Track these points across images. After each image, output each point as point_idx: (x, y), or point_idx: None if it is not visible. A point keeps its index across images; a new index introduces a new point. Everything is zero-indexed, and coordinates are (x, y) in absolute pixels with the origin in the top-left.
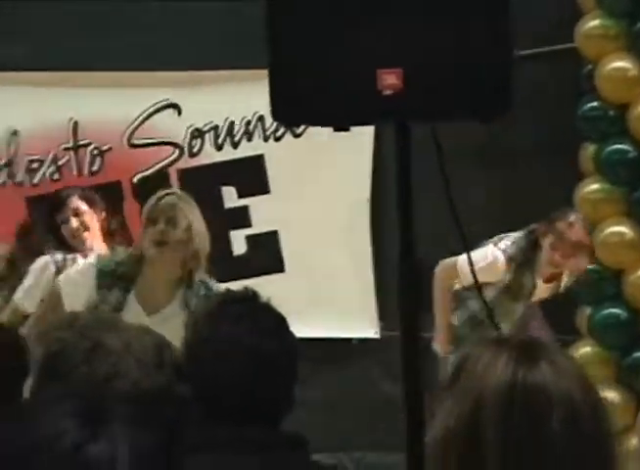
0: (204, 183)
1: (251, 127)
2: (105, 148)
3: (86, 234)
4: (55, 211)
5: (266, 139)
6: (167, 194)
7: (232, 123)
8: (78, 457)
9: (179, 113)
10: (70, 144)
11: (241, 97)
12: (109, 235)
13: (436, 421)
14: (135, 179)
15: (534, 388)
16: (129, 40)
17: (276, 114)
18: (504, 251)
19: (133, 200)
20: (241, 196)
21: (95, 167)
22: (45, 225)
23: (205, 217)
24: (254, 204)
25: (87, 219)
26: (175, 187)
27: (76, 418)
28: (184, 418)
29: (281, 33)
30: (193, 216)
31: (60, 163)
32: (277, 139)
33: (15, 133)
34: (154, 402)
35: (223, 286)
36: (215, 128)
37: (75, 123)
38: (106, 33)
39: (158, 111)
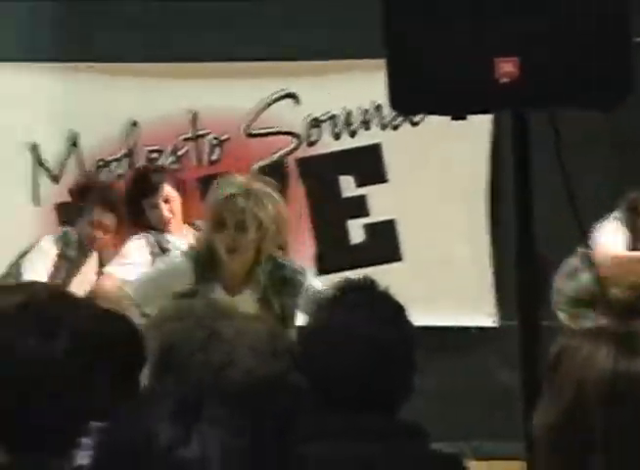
0: (321, 172)
1: (368, 116)
2: (223, 138)
3: (172, 220)
4: (144, 196)
5: (384, 128)
6: (235, 195)
7: (349, 112)
8: (170, 459)
9: (297, 102)
10: (190, 134)
11: (358, 86)
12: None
13: (537, 413)
14: (253, 169)
15: (637, 376)
16: (248, 31)
17: (394, 103)
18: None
19: None
20: (358, 185)
21: (214, 157)
22: (129, 208)
23: (323, 207)
24: (372, 193)
25: (175, 206)
26: (293, 176)
27: (170, 419)
28: (298, 407)
29: (399, 24)
30: (264, 213)
31: (179, 153)
32: (394, 128)
33: (134, 124)
34: (268, 391)
35: (297, 264)
36: (333, 117)
37: (194, 114)
38: (225, 24)
39: (276, 100)
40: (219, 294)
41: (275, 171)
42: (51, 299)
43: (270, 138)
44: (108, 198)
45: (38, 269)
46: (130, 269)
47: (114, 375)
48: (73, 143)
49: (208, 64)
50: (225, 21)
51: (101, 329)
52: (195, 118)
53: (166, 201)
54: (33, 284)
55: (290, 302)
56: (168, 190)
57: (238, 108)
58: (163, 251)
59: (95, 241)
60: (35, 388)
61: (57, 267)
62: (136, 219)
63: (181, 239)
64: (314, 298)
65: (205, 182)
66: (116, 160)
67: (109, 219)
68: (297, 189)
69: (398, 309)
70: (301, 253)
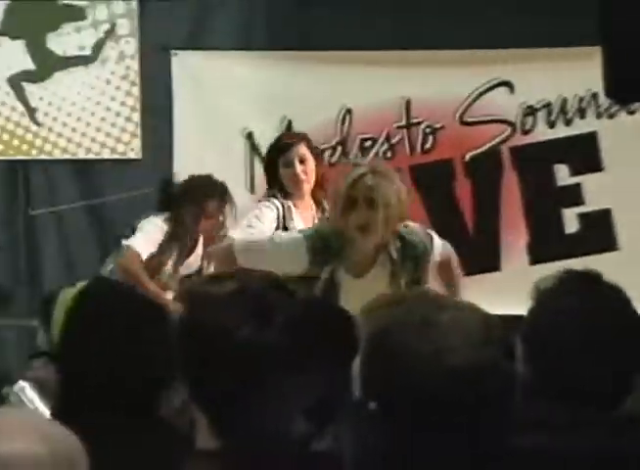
0: (536, 161)
1: (584, 104)
2: (437, 126)
3: (305, 182)
4: (280, 153)
5: (599, 116)
6: (364, 174)
7: (565, 100)
8: (304, 452)
9: (511, 90)
10: (403, 122)
11: (574, 74)
12: (320, 189)
13: None
14: (467, 157)
15: None
16: (463, 18)
17: (609, 91)
18: None
19: (464, 178)
20: (573, 173)
21: (427, 146)
22: (266, 170)
23: (537, 195)
24: (587, 181)
25: (309, 168)
26: (507, 166)
27: (305, 414)
28: (510, 395)
29: (617, 11)
30: (391, 191)
31: (393, 141)
32: (610, 116)
33: (348, 112)
34: (480, 380)
35: (422, 232)
36: (548, 105)
37: (408, 102)
38: (439, 12)
39: (490, 89)
40: (343, 277)
41: (489, 160)
42: (265, 286)
43: (484, 126)
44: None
45: (141, 239)
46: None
47: (328, 362)
48: (287, 130)
49: (422, 51)
50: (441, 8)
51: (316, 316)
52: (408, 106)
53: (301, 161)
54: (248, 272)
55: (420, 275)
56: (304, 151)
57: (452, 95)
58: (285, 229)
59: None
60: (252, 374)
61: (166, 243)
62: (270, 179)
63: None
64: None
65: (419, 171)
66: (330, 147)
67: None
68: (511, 178)
69: (627, 300)
70: (515, 242)
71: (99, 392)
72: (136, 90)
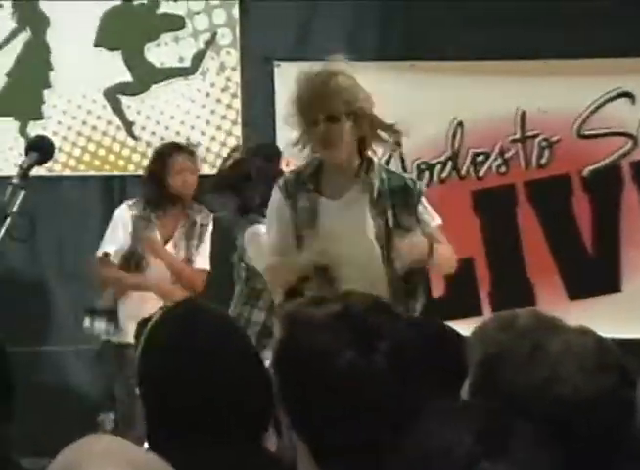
0: None
1: None
2: (553, 139)
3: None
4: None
5: None
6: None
7: None
8: None
9: (633, 101)
10: (518, 135)
11: None
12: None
13: None
14: (585, 172)
15: None
16: (581, 27)
17: None
18: None
19: (582, 194)
20: None
21: (543, 160)
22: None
23: None
24: None
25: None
26: (627, 181)
27: (473, 433)
28: (629, 425)
29: None
30: (353, 97)
31: (506, 155)
32: None
33: (460, 124)
34: (594, 409)
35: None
36: None
37: (523, 114)
38: (552, 21)
39: (610, 100)
40: (320, 201)
41: (608, 175)
42: (369, 308)
43: (603, 139)
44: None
45: (115, 238)
46: None
47: (436, 387)
48: (396, 143)
49: (537, 61)
50: (558, 17)
51: (423, 340)
52: (523, 118)
53: (192, 172)
54: (351, 293)
55: (405, 212)
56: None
57: (569, 107)
58: None
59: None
60: (356, 401)
61: (136, 228)
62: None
63: None
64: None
65: (534, 187)
66: (440, 163)
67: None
68: (632, 193)
69: None
70: (637, 261)
71: (192, 420)
72: (237, 103)
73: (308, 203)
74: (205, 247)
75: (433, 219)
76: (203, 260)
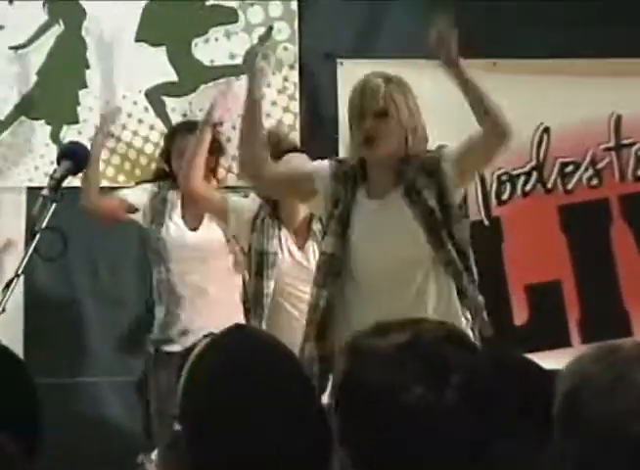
0: None
1: None
2: None
3: None
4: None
5: None
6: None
7: None
8: None
9: None
10: (612, 143)
11: None
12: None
13: None
14: None
15: None
16: None
17: None
18: None
19: None
20: None
21: None
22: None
23: None
24: None
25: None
26: None
27: None
28: None
29: None
30: (404, 99)
31: (599, 166)
32: None
33: (546, 131)
34: None
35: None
36: None
37: (618, 119)
38: None
39: None
40: (362, 200)
41: None
42: (440, 338)
43: None
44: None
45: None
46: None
47: (515, 425)
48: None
49: (636, 60)
50: None
51: (499, 374)
52: (618, 124)
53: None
54: (419, 322)
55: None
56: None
57: None
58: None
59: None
60: (426, 441)
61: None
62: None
63: None
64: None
65: (631, 201)
66: (524, 173)
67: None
68: None
69: None
70: None
71: (238, 460)
72: (295, 105)
73: (348, 197)
74: None
75: None
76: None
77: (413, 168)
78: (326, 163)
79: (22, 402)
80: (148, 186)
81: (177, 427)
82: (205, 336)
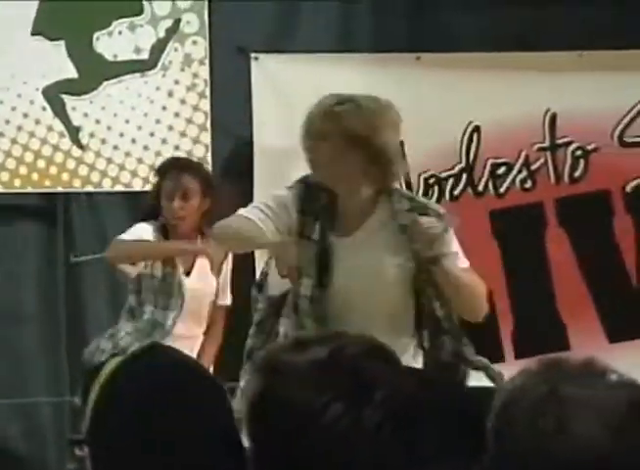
0: None
1: None
2: (590, 148)
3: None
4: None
5: None
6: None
7: None
8: None
9: None
10: (546, 143)
11: None
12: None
13: None
14: (628, 188)
15: None
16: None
17: None
18: None
19: (625, 214)
20: None
21: (577, 173)
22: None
23: None
24: None
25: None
26: None
27: None
28: None
29: None
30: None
31: (532, 167)
32: None
33: (476, 129)
34: None
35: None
36: None
37: (553, 116)
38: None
39: None
40: (332, 238)
41: None
42: (361, 353)
43: None
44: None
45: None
46: None
47: (443, 446)
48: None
49: (571, 53)
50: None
51: (425, 392)
52: (553, 122)
53: (184, 196)
54: (339, 336)
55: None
56: (190, 183)
57: (610, 109)
58: None
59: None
60: (346, 464)
61: None
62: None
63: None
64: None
65: (566, 205)
66: (452, 176)
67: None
68: None
69: None
70: None
71: None
72: (206, 104)
73: (319, 236)
74: (226, 279)
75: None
76: (223, 295)
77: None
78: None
79: None
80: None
81: (80, 452)
82: (113, 355)
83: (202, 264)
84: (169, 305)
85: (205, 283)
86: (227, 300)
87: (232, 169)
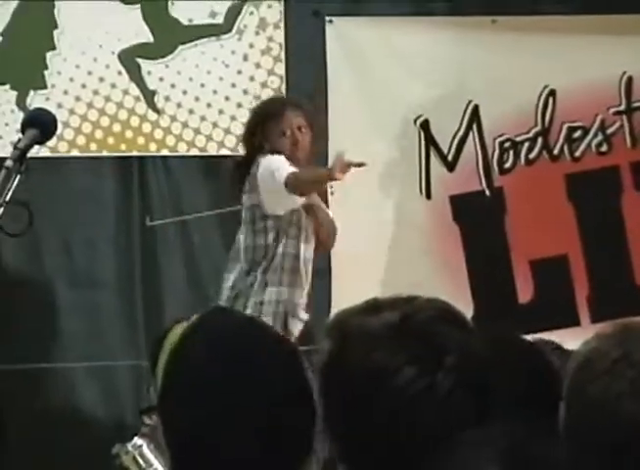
0: None
1: None
2: None
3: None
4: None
5: None
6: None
7: None
8: None
9: None
10: (623, 107)
11: None
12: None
13: None
14: None
15: None
16: None
17: None
18: None
19: None
20: None
21: None
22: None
23: None
24: None
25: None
26: None
27: (497, 466)
28: None
29: None
30: None
31: (608, 131)
32: None
33: (552, 93)
34: None
35: None
36: None
37: (629, 80)
38: None
39: None
40: None
41: None
42: (433, 317)
43: None
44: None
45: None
46: None
47: (517, 409)
48: (472, 118)
49: None
50: None
51: (499, 355)
52: (629, 86)
53: (300, 129)
54: (411, 300)
55: None
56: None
57: None
58: None
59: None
60: (418, 429)
61: None
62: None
63: None
64: None
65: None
66: (528, 140)
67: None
68: None
69: None
70: None
71: (216, 457)
72: (281, 68)
73: None
74: None
75: None
76: None
77: None
78: None
79: None
80: None
81: (149, 420)
82: (177, 321)
83: None
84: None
85: None
86: None
87: None
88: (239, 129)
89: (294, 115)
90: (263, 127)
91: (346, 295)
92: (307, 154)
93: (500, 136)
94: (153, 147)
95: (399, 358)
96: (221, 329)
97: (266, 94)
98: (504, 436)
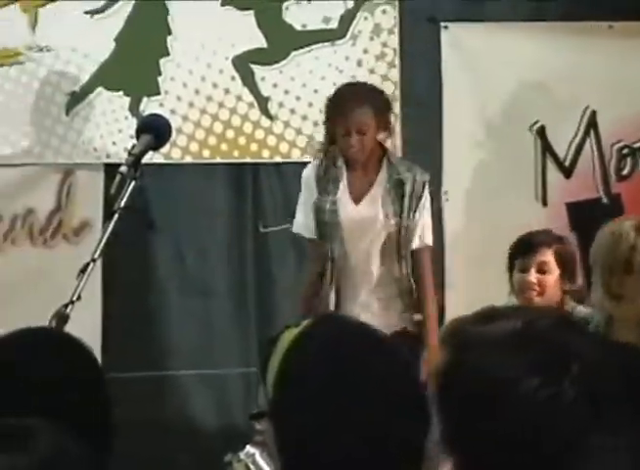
0: None
1: None
2: None
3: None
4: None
5: None
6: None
7: None
8: None
9: None
10: None
11: None
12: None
13: None
14: None
15: None
16: None
17: None
18: None
19: None
20: None
21: None
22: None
23: None
24: None
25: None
26: None
27: None
28: None
29: None
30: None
31: None
32: None
33: None
34: None
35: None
36: None
37: None
38: None
39: None
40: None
41: None
42: (555, 325)
43: None
44: None
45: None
46: None
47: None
48: (589, 124)
49: None
50: None
51: (623, 365)
52: None
53: (360, 131)
54: (529, 308)
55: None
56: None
57: None
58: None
59: None
60: (543, 439)
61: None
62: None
63: None
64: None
65: None
66: None
67: None
68: None
69: None
70: None
71: (325, 464)
72: (395, 73)
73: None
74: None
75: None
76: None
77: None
78: None
79: (92, 400)
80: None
81: (260, 426)
82: (287, 326)
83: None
84: None
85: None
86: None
87: (422, 139)
88: None
89: (353, 115)
90: (327, 126)
91: (461, 302)
92: (369, 151)
93: (618, 142)
94: (266, 153)
95: (523, 365)
96: (336, 335)
97: None
98: (634, 442)
